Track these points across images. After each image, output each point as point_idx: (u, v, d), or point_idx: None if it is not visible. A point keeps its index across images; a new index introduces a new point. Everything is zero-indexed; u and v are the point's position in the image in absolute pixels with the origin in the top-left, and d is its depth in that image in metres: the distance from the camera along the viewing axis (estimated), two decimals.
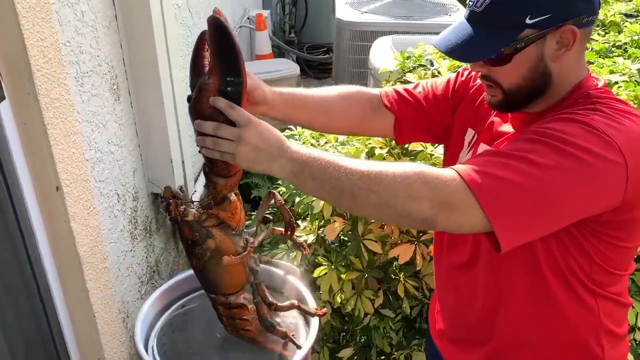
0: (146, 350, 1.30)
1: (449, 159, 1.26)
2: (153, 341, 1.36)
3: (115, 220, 1.94)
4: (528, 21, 0.94)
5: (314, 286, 1.75)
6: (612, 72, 1.79)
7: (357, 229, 1.73)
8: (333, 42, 4.85)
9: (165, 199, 2.28)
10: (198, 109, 0.97)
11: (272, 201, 1.32)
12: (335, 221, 1.74)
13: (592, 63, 1.96)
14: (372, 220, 1.78)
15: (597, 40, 2.36)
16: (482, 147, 1.15)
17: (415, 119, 1.30)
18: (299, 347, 1.23)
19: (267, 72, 3.81)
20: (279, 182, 2.04)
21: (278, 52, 5.37)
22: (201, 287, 1.29)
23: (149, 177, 2.19)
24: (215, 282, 1.23)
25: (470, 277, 1.16)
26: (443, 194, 0.88)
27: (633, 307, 1.68)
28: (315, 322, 1.34)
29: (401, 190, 0.89)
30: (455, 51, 1.01)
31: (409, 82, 2.01)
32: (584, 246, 1.02)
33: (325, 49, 6.07)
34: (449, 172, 0.90)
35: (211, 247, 1.16)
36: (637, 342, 1.78)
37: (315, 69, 5.87)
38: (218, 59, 0.96)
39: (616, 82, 1.70)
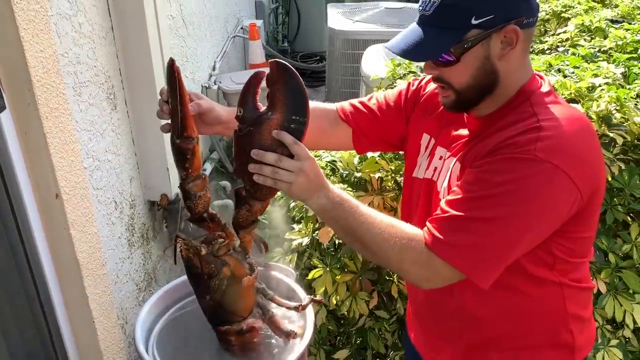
0: (146, 351, 1.32)
1: (409, 164, 1.33)
2: (153, 342, 1.38)
3: (113, 228, 1.97)
4: (474, 21, 1.01)
5: (309, 288, 1.78)
6: (595, 75, 1.84)
7: None
8: (326, 50, 4.90)
9: (162, 206, 2.33)
10: (256, 139, 1.06)
11: None
12: None
13: (578, 67, 2.01)
14: None
15: (582, 46, 2.41)
16: (440, 150, 1.22)
17: (371, 129, 1.37)
18: (318, 301, 1.34)
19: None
20: None
21: None
22: None
23: (146, 184, 2.23)
24: (232, 309, 1.29)
25: None
26: (425, 271, 1.05)
27: (621, 305, 1.72)
28: (310, 317, 1.38)
29: (394, 262, 1.07)
30: (408, 53, 1.07)
31: None
32: (549, 245, 1.08)
33: (318, 57, 6.13)
34: (427, 251, 1.03)
35: (227, 274, 1.23)
36: (627, 339, 1.82)
37: (309, 78, 5.93)
38: (286, 99, 1.06)
39: (599, 85, 1.75)
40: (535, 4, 1.06)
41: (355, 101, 1.40)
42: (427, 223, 1.06)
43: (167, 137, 2.16)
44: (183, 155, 1.17)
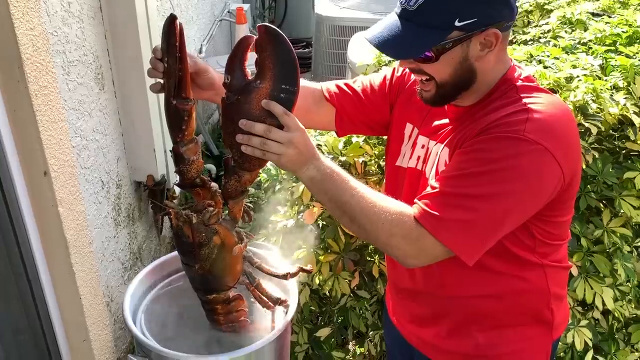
0: (134, 325, 1.36)
1: (392, 152, 1.34)
2: (141, 317, 1.42)
3: (100, 207, 1.99)
4: (457, 23, 1.01)
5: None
6: (574, 66, 1.90)
7: None
8: (312, 36, 4.91)
9: (148, 187, 2.35)
10: (245, 109, 1.02)
11: None
12: (314, 206, 1.82)
13: (557, 58, 2.06)
14: None
15: (563, 37, 2.47)
16: (422, 139, 1.24)
17: (354, 111, 1.38)
18: (307, 271, 1.36)
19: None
20: None
21: None
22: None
23: (132, 165, 2.25)
24: (220, 277, 1.29)
25: None
26: (414, 248, 1.05)
27: (591, 288, 1.80)
28: (294, 293, 1.43)
29: (384, 237, 1.06)
30: (387, 47, 1.07)
31: None
32: (530, 228, 1.12)
33: (304, 43, 6.12)
34: (417, 226, 1.03)
35: (217, 243, 1.22)
36: (596, 320, 1.90)
37: None
38: (275, 66, 1.01)
39: (577, 76, 1.81)
40: (516, 7, 1.08)
41: (340, 82, 1.41)
42: (416, 200, 1.07)
43: (154, 118, 2.20)
44: (180, 117, 1.12)
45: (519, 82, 1.11)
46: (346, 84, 1.39)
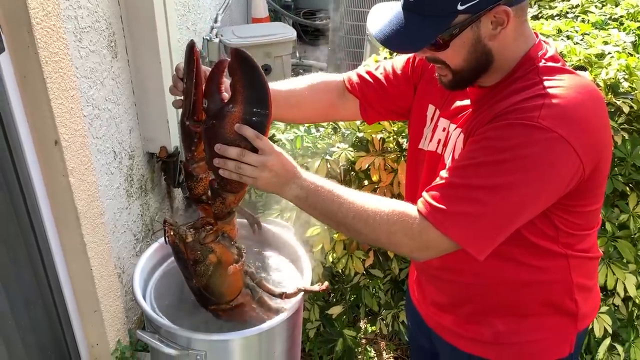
0: (144, 299, 1.34)
1: (415, 134, 1.29)
2: (150, 290, 1.40)
3: (112, 178, 1.96)
4: (459, 7, 0.95)
5: (306, 246, 1.79)
6: (605, 43, 1.81)
7: None
8: (330, 7, 4.80)
9: (161, 159, 2.32)
10: (220, 134, 1.04)
11: None
12: None
13: (587, 34, 1.97)
14: (365, 184, 1.83)
15: (593, 13, 2.37)
16: (442, 122, 1.19)
17: (378, 100, 1.34)
18: (315, 291, 1.35)
19: (263, 36, 3.78)
20: None
21: (274, 17, 5.31)
22: None
23: (145, 136, 2.21)
24: (218, 294, 1.30)
25: None
26: (418, 242, 1.02)
27: (614, 274, 1.75)
28: (307, 272, 1.40)
29: (384, 237, 1.04)
30: (391, 42, 1.02)
31: None
32: (551, 219, 1.06)
33: (322, 14, 6.01)
34: (420, 221, 1.00)
35: (213, 261, 1.23)
36: (616, 307, 1.86)
37: (312, 35, 5.82)
38: (245, 90, 1.03)
39: (609, 53, 1.73)
40: None
41: (362, 71, 1.36)
42: (424, 193, 1.03)
43: (168, 89, 2.15)
44: (190, 138, 1.16)
45: (542, 63, 1.03)
46: (368, 72, 1.35)
